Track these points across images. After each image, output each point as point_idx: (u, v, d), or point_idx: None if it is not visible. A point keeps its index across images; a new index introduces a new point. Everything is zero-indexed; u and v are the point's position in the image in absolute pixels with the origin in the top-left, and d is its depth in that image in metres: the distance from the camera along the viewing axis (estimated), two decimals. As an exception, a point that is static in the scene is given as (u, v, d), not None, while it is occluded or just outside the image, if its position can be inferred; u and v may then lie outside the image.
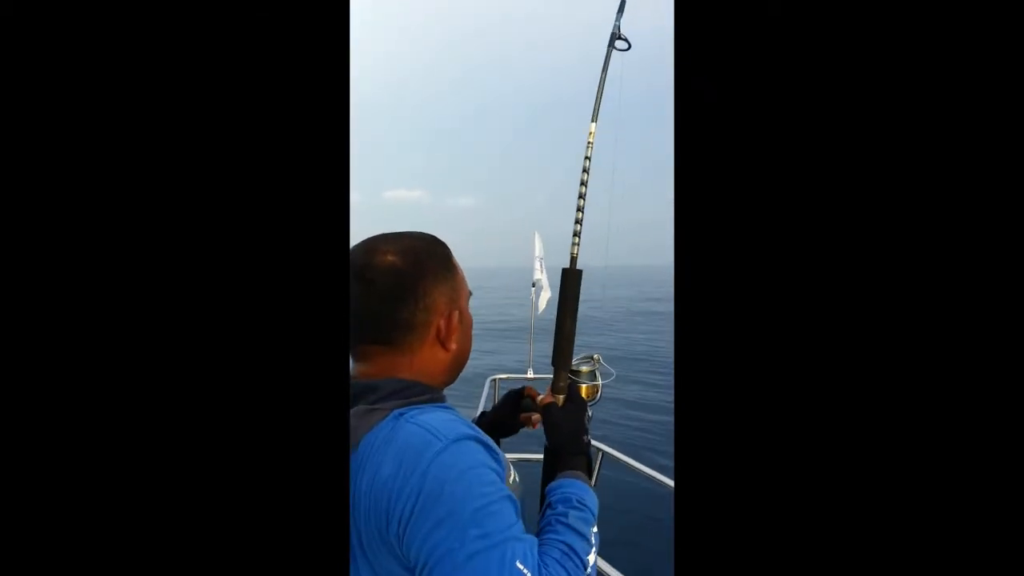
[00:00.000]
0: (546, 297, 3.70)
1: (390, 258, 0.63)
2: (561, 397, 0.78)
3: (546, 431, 0.75)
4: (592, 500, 0.66)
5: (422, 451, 0.54)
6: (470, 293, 0.71)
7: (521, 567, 0.52)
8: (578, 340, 0.81)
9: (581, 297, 0.81)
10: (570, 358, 0.81)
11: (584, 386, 0.84)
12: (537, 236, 3.79)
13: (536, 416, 0.81)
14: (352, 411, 0.59)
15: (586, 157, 0.76)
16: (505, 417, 0.85)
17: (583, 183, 0.77)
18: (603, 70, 0.76)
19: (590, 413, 0.79)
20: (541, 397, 0.80)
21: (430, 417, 0.58)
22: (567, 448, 0.72)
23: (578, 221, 0.79)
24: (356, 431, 0.58)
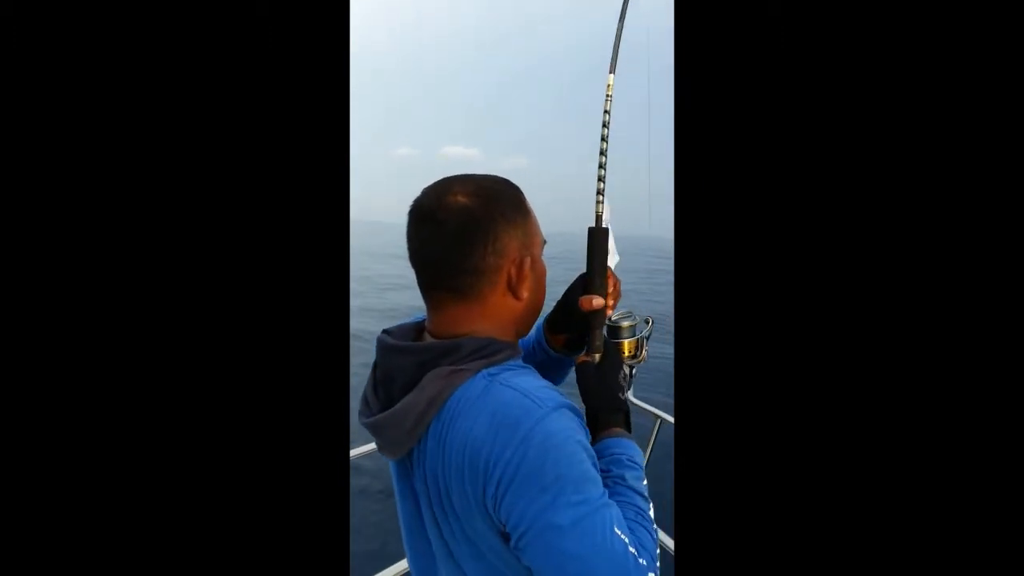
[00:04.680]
0: (614, 262, 3.56)
1: (461, 199, 0.60)
2: (597, 356, 0.75)
3: (580, 392, 0.73)
4: (639, 455, 0.66)
5: (522, 417, 0.53)
6: (544, 241, 0.68)
7: (618, 532, 0.53)
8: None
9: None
10: (603, 317, 0.79)
11: (626, 342, 0.81)
12: (607, 202, 3.67)
13: (596, 300, 0.74)
14: (434, 371, 0.58)
15: (605, 111, 0.73)
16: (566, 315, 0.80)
17: (603, 138, 0.74)
18: (621, 16, 0.72)
19: (634, 370, 0.78)
20: (577, 356, 0.78)
21: (524, 382, 0.57)
22: (603, 407, 0.70)
23: (601, 179, 0.77)
24: (442, 391, 0.57)
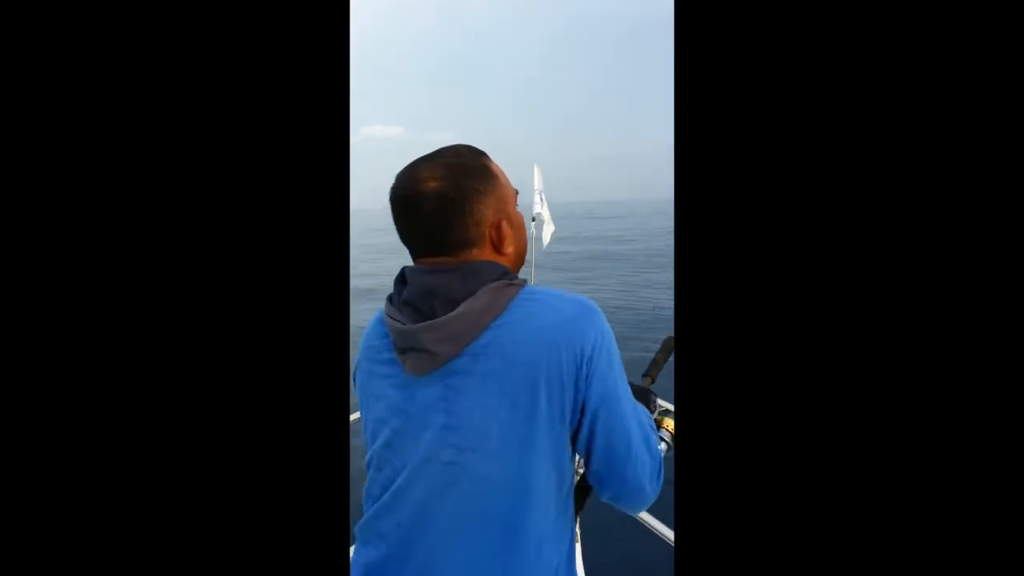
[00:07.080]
0: (549, 231, 3.74)
1: (433, 184, 0.66)
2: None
3: None
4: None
5: (594, 309, 0.66)
6: (516, 192, 0.75)
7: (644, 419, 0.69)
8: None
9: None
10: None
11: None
12: (536, 168, 3.71)
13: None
14: (489, 285, 0.65)
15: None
16: None
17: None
18: None
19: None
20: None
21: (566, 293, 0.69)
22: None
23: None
24: (496, 299, 0.64)
